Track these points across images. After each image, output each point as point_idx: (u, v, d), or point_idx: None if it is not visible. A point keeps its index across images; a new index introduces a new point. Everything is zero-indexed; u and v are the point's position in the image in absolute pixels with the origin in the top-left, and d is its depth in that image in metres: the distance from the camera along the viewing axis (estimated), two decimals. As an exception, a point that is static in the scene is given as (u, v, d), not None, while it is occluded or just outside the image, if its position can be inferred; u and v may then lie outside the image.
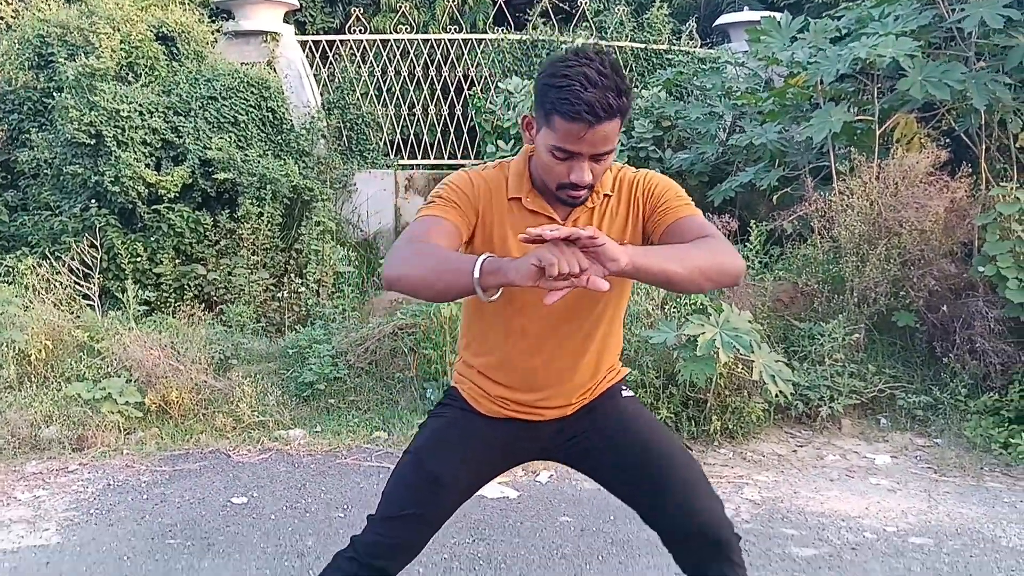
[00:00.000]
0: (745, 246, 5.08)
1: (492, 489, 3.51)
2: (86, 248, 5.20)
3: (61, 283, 4.89)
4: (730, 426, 3.96)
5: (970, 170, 4.51)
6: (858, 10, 5.25)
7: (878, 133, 4.83)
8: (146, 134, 5.73)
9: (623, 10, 8.05)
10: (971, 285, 4.40)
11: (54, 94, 6.02)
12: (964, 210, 4.42)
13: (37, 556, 2.91)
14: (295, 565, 2.83)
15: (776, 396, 3.90)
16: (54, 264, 4.98)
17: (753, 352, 3.74)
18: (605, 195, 1.80)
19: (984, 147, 4.65)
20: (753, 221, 5.12)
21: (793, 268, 4.91)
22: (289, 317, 5.69)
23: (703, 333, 3.70)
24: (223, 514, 3.21)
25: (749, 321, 3.87)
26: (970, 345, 4.21)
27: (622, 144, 6.32)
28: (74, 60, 5.82)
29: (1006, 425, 3.98)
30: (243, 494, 3.39)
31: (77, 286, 4.98)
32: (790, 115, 5.45)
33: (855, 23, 5.20)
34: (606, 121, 1.59)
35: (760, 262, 5.05)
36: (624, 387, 2.01)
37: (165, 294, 5.66)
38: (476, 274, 1.47)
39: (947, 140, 4.84)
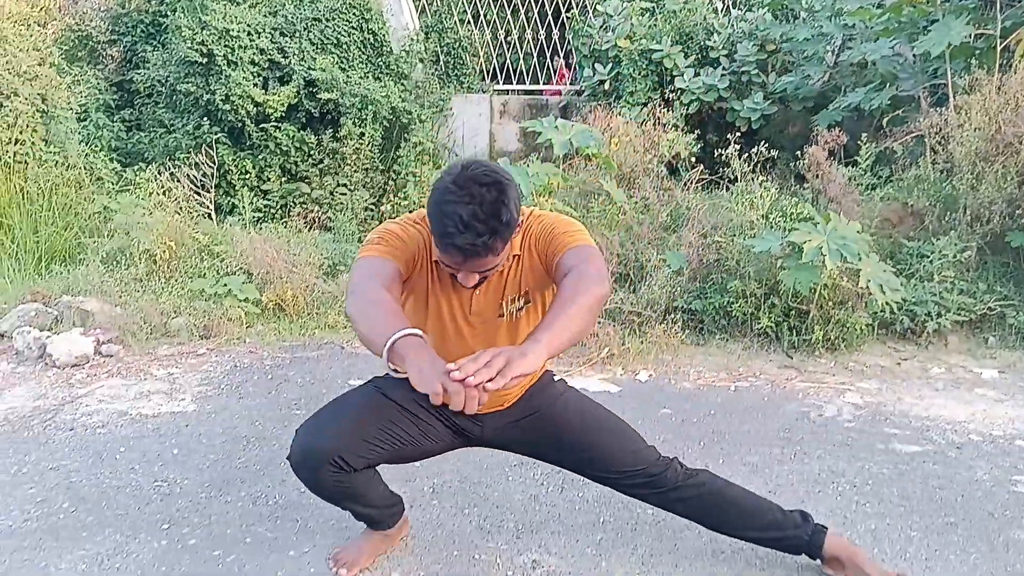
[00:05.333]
0: (852, 167, 4.97)
1: (593, 384, 3.61)
2: (203, 161, 5.46)
3: (183, 195, 5.16)
4: (832, 337, 3.93)
5: (1100, 84, 4.29)
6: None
7: (999, 49, 4.62)
8: (254, 54, 5.93)
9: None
10: (1093, 206, 4.21)
11: (167, 14, 6.27)
12: (1091, 126, 4.21)
13: (176, 420, 3.16)
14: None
15: (882, 308, 3.85)
16: (174, 173, 5.25)
17: (860, 260, 3.69)
18: (515, 255, 1.86)
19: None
20: (861, 142, 4.98)
21: (903, 188, 4.78)
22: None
23: (809, 240, 3.68)
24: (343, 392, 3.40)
25: (858, 231, 3.81)
26: (1089, 266, 4.05)
27: (724, 70, 6.20)
28: (185, -19, 6.06)
29: (1123, 347, 3.85)
30: (360, 377, 3.58)
31: (194, 196, 5.24)
32: (906, 31, 5.24)
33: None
34: (477, 259, 1.67)
35: (868, 184, 4.93)
36: (552, 374, 2.17)
37: (272, 210, 5.92)
38: (384, 355, 1.52)
39: (1075, 55, 4.60)
